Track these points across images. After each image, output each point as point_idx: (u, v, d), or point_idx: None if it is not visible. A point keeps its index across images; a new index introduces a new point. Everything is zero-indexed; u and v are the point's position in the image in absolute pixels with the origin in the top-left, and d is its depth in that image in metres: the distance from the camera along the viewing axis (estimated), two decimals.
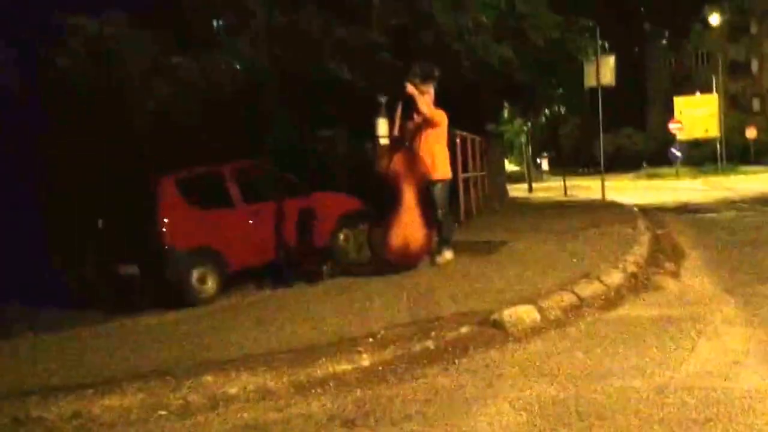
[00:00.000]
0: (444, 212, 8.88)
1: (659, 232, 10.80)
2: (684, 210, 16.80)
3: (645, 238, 9.66)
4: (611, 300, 6.67)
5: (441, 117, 8.80)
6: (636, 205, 17.53)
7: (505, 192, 21.97)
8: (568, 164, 62.46)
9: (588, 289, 6.74)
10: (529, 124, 31.72)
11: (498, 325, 5.73)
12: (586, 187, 30.98)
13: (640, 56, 66.34)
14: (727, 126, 47.98)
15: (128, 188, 9.85)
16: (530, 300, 6.20)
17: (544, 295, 6.39)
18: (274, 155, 11.48)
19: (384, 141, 9.55)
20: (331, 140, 13.16)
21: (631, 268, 7.70)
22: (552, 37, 11.00)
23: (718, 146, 43.88)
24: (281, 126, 11.82)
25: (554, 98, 21.49)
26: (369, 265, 9.31)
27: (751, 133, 48.70)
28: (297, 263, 9.85)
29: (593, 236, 10.24)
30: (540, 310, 6.03)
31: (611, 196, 21.45)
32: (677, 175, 39.33)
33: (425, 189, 8.66)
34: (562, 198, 24.21)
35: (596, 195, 24.68)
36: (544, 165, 57.17)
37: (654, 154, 57.69)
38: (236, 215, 9.95)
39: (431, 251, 8.84)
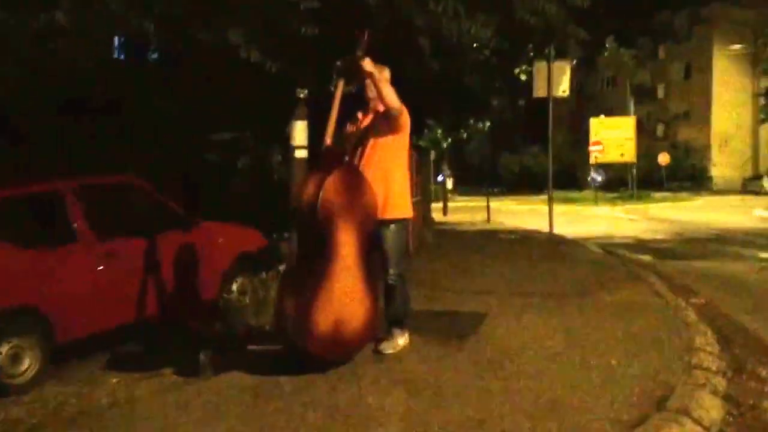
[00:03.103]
0: (398, 272, 5.58)
1: (693, 300, 7.73)
2: (652, 251, 13.85)
3: (692, 315, 6.63)
4: None
5: (407, 117, 5.52)
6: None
7: (432, 219, 18.67)
8: (472, 183, 60.66)
9: None
10: (449, 139, 28.71)
11: None
12: (505, 212, 28.35)
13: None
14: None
15: None
16: None
17: None
18: (143, 167, 7.85)
19: (301, 154, 7.06)
20: (230, 147, 9.51)
21: (720, 384, 4.65)
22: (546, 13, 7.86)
23: (634, 171, 42.33)
24: (157, 125, 8.21)
25: (488, 110, 18.50)
26: (274, 341, 5.91)
27: (663, 158, 47.63)
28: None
29: (609, 307, 7.13)
30: None
31: (534, 224, 19.33)
32: (596, 201, 37.31)
33: (371, 234, 5.35)
34: (495, 226, 21.15)
35: (524, 222, 22.10)
36: (449, 184, 54.81)
37: (558, 175, 56.21)
38: (79, 257, 6.43)
39: (376, 334, 5.55)
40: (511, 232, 18.13)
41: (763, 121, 36.96)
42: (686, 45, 43.37)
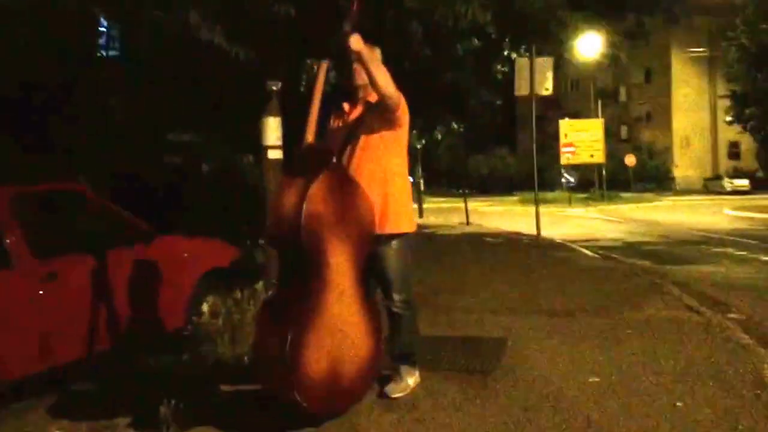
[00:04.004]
0: (405, 298, 4.32)
1: (732, 315, 6.55)
2: (647, 255, 12.61)
3: (743, 336, 5.48)
4: None
5: (405, 108, 4.26)
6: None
7: None
8: (441, 185, 59.55)
9: None
10: (423, 140, 27.41)
11: None
12: (479, 213, 27.21)
13: (511, 77, 63.99)
14: None
15: None
16: None
17: None
18: (93, 173, 6.46)
19: (275, 155, 6.12)
20: (193, 149, 8.14)
21: None
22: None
23: (603, 172, 41.61)
24: (107, 123, 6.85)
25: (468, 109, 17.25)
26: (254, 379, 4.63)
27: (629, 160, 47.04)
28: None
29: (643, 327, 5.92)
30: None
31: (514, 226, 18.46)
32: (570, 202, 36.41)
33: (368, 253, 4.08)
34: (476, 229, 19.92)
35: (502, 224, 21.03)
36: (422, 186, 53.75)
37: (527, 177, 55.58)
38: (13, 281, 5.03)
39: (379, 374, 4.28)
40: (495, 235, 16.92)
41: (730, 122, 36.45)
42: (646, 49, 43.03)
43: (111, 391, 4.94)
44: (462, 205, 24.18)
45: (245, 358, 5.45)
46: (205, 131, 7.89)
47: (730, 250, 13.23)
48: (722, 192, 48.63)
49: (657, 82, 61.19)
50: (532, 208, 33.31)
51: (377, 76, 3.97)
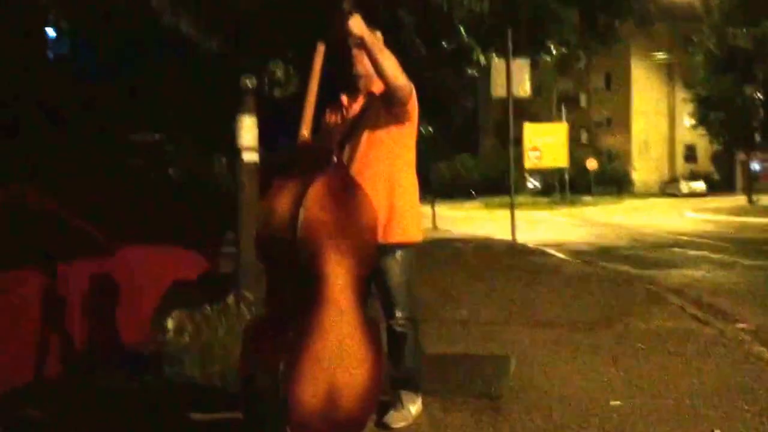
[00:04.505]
0: (408, 315, 3.72)
1: (741, 326, 6.06)
2: (625, 260, 12.09)
3: (763, 351, 4.97)
4: None
5: (415, 100, 3.65)
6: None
7: None
8: None
9: None
10: None
11: None
12: (445, 218, 26.77)
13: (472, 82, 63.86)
14: None
15: None
16: None
17: None
18: (42, 175, 5.76)
19: (251, 157, 5.75)
20: (159, 150, 7.41)
21: None
22: None
23: (566, 176, 41.64)
24: (60, 122, 6.15)
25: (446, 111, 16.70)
26: (230, 405, 4.04)
27: (591, 164, 47.20)
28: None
29: (654, 340, 5.37)
30: None
31: (482, 230, 17.96)
32: (535, 206, 36.24)
33: (371, 267, 3.49)
34: (446, 234, 19.39)
35: (470, 228, 20.62)
36: None
37: (489, 182, 55.56)
38: None
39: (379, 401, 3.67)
40: (467, 241, 16.39)
41: (695, 126, 36.69)
42: (606, 55, 43.14)
43: (64, 418, 4.29)
44: (427, 210, 23.66)
45: (216, 379, 4.87)
46: (174, 131, 7.17)
47: (706, 253, 12.90)
48: (679, 195, 49.16)
49: (617, 87, 61.60)
50: (497, 213, 33.45)
51: (384, 64, 3.37)
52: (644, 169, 59.60)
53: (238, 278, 6.18)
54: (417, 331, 3.76)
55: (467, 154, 64.17)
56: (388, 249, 3.57)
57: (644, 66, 59.57)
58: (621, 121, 60.90)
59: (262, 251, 3.36)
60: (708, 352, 5.01)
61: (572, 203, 39.51)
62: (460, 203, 45.22)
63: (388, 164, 3.60)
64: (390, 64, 3.39)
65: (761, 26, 24.52)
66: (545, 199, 40.65)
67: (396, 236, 3.58)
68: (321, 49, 3.56)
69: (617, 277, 9.16)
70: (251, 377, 3.32)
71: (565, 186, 42.83)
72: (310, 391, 3.14)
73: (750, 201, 29.58)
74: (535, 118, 51.76)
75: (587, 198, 44.10)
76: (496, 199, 42.53)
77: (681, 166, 60.24)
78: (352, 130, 3.62)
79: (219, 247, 7.08)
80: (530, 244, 14.31)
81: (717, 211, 27.70)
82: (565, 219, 27.33)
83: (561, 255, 12.24)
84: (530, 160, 36.04)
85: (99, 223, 5.46)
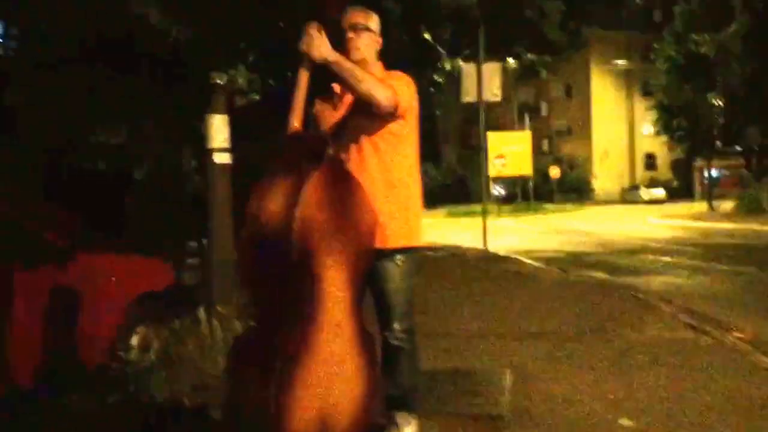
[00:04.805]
0: (407, 327, 3.37)
1: (738, 335, 5.78)
2: (598, 267, 11.83)
3: None
4: None
5: (412, 93, 3.32)
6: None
7: None
8: None
9: None
10: None
11: None
12: None
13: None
14: None
15: None
16: None
17: None
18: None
19: (222, 158, 5.51)
20: (123, 151, 6.91)
21: None
22: None
23: (531, 184, 41.76)
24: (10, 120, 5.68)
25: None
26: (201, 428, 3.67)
27: (554, 172, 47.44)
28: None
29: (653, 352, 5.08)
30: None
31: (447, 238, 18.07)
32: (499, 214, 36.14)
33: (366, 272, 3.13)
34: None
35: (438, 236, 20.29)
36: None
37: (452, 188, 55.60)
38: None
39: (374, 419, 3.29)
40: (437, 249, 16.07)
41: (658, 133, 37.11)
42: (565, 65, 43.58)
43: None
44: None
45: (185, 400, 4.50)
46: (139, 131, 6.67)
47: (680, 259, 12.78)
48: (639, 201, 49.62)
49: (577, 96, 62.12)
50: (462, 221, 33.29)
51: (359, 88, 3.03)
52: (604, 177, 60.08)
53: (210, 289, 5.80)
54: (415, 345, 3.41)
55: (429, 162, 64.21)
56: (388, 253, 3.22)
57: (603, 75, 60.14)
58: (581, 129, 61.38)
59: (250, 257, 2.98)
60: (713, 364, 4.75)
61: (536, 211, 39.57)
62: (424, 212, 44.95)
63: (388, 159, 3.25)
64: (366, 86, 3.04)
65: (723, 33, 24.77)
66: (509, 207, 40.62)
67: (396, 240, 3.24)
68: (313, 29, 3.17)
69: (599, 285, 8.93)
70: (237, 402, 2.94)
71: (529, 194, 42.91)
72: (302, 416, 2.79)
73: (711, 207, 29.85)
74: (497, 127, 52.02)
75: (550, 205, 44.29)
76: (461, 207, 42.48)
77: (641, 173, 60.88)
78: (348, 121, 3.27)
79: (183, 256, 6.67)
80: (501, 252, 14.06)
81: (679, 217, 27.88)
82: (530, 226, 27.24)
83: (534, 263, 12.00)
84: (495, 168, 36.03)
85: (56, 229, 5.02)
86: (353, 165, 3.19)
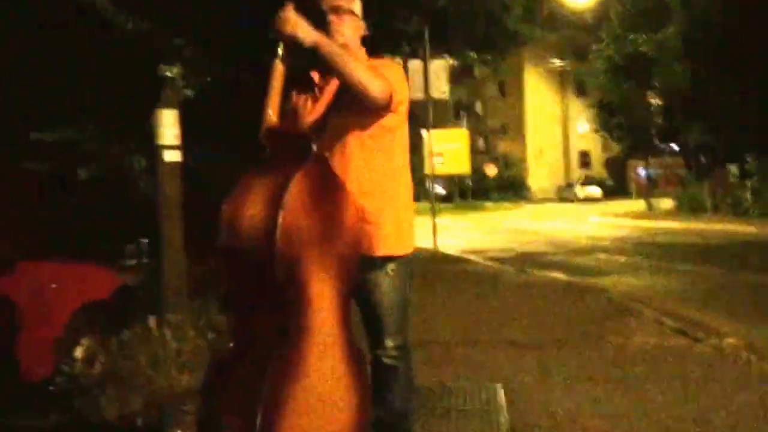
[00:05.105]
0: (401, 343, 2.99)
1: (730, 341, 5.56)
2: (555, 267, 11.60)
3: None
4: None
5: (403, 83, 2.89)
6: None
7: None
8: None
9: None
10: None
11: None
12: None
13: None
14: None
15: None
16: None
17: None
18: None
19: (173, 157, 5.23)
20: (65, 151, 6.38)
21: None
22: None
23: (470, 182, 41.91)
24: None
25: None
26: None
27: (491, 170, 47.73)
28: None
29: (646, 361, 4.86)
30: None
31: None
32: (437, 212, 36.03)
33: (352, 283, 2.81)
34: None
35: None
36: None
37: None
38: None
39: None
40: None
41: (596, 131, 37.70)
42: (500, 63, 43.99)
43: None
44: None
45: (138, 419, 4.14)
46: (81, 128, 6.15)
47: (633, 259, 12.73)
48: (575, 200, 50.27)
49: (511, 95, 62.76)
50: None
51: (352, 77, 2.65)
52: (539, 175, 60.84)
53: (161, 297, 5.41)
54: (410, 363, 3.11)
55: None
56: (378, 262, 2.90)
57: (537, 74, 60.92)
58: (516, 128, 62.09)
59: (227, 269, 2.64)
60: (713, 373, 4.50)
61: (475, 209, 39.71)
62: None
63: (377, 158, 2.93)
64: (359, 75, 2.66)
65: (661, 32, 25.21)
66: (448, 206, 40.69)
67: (387, 247, 2.90)
68: (289, 7, 2.84)
69: (566, 287, 8.68)
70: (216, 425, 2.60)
71: (467, 192, 43.04)
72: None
73: (649, 206, 30.33)
74: (433, 126, 52.18)
75: (488, 204, 44.53)
76: None
77: (575, 171, 61.80)
78: (331, 115, 2.93)
79: (122, 259, 6.26)
80: (453, 252, 13.87)
81: (620, 215, 28.18)
82: (473, 225, 27.20)
83: (490, 263, 11.80)
84: (434, 166, 36.11)
85: None
86: (337, 165, 2.85)
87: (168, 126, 5.23)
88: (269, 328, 2.54)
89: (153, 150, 5.19)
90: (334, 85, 2.95)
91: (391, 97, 2.78)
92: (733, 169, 24.73)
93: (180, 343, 5.20)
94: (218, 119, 6.62)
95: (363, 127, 2.85)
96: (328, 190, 2.63)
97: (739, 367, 4.73)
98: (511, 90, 62.80)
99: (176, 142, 5.28)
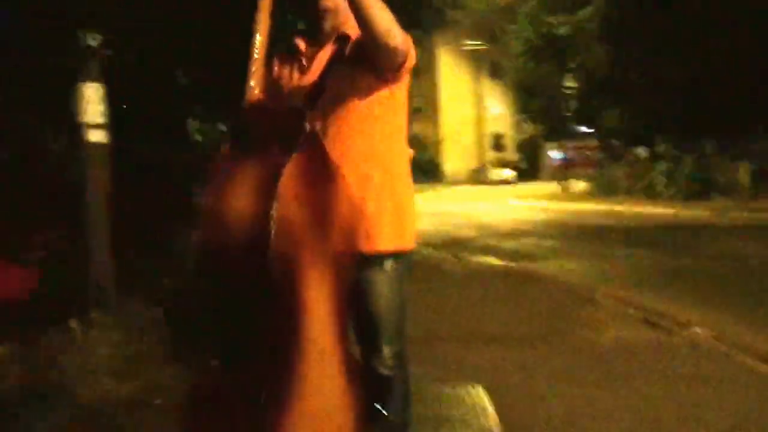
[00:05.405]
0: (398, 350, 2.53)
1: (699, 331, 5.30)
2: (490, 252, 11.24)
3: (755, 364, 4.33)
4: None
5: (412, 55, 2.44)
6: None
7: None
8: None
9: None
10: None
11: None
12: None
13: None
14: None
15: None
16: None
17: None
18: None
19: (98, 137, 4.67)
20: None
21: None
22: None
23: None
24: None
25: None
26: None
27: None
28: None
29: (623, 357, 4.58)
30: None
31: None
32: None
33: (350, 284, 2.35)
34: None
35: None
36: None
37: None
38: None
39: None
40: None
41: (517, 113, 38.15)
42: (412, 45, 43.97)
43: None
44: None
45: None
46: None
47: (562, 243, 12.61)
48: (488, 183, 50.76)
49: (425, 76, 62.82)
50: None
51: (375, 17, 2.17)
52: (453, 158, 61.18)
53: (85, 294, 4.82)
54: (407, 372, 2.67)
55: None
56: (375, 259, 2.46)
57: (451, 55, 61.07)
58: (430, 110, 62.17)
59: (211, 269, 2.15)
60: (699, 370, 4.26)
61: None
62: None
63: (374, 141, 2.48)
64: (381, 16, 2.20)
65: (581, 13, 25.34)
66: None
67: (385, 242, 2.45)
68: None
69: (506, 273, 8.41)
70: None
71: None
72: None
73: (563, 189, 30.71)
74: None
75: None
76: None
77: (489, 154, 62.47)
78: (320, 91, 2.45)
79: (26, 252, 5.61)
80: None
81: (536, 197, 28.41)
82: None
83: (426, 250, 11.38)
84: None
85: None
86: (332, 145, 2.39)
87: (92, 102, 4.65)
88: (257, 340, 2.10)
89: (73, 128, 4.60)
90: (324, 55, 2.49)
91: (408, 54, 2.36)
92: (642, 151, 25.15)
93: (109, 346, 4.64)
94: (153, 96, 6.03)
95: (365, 99, 2.42)
96: (322, 177, 2.19)
97: (719, 360, 4.53)
98: (424, 71, 62.81)
99: (101, 120, 4.70)
